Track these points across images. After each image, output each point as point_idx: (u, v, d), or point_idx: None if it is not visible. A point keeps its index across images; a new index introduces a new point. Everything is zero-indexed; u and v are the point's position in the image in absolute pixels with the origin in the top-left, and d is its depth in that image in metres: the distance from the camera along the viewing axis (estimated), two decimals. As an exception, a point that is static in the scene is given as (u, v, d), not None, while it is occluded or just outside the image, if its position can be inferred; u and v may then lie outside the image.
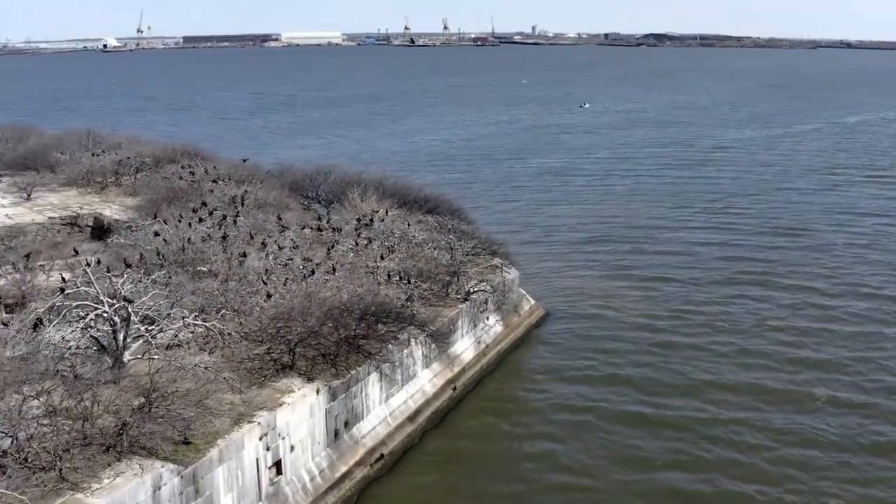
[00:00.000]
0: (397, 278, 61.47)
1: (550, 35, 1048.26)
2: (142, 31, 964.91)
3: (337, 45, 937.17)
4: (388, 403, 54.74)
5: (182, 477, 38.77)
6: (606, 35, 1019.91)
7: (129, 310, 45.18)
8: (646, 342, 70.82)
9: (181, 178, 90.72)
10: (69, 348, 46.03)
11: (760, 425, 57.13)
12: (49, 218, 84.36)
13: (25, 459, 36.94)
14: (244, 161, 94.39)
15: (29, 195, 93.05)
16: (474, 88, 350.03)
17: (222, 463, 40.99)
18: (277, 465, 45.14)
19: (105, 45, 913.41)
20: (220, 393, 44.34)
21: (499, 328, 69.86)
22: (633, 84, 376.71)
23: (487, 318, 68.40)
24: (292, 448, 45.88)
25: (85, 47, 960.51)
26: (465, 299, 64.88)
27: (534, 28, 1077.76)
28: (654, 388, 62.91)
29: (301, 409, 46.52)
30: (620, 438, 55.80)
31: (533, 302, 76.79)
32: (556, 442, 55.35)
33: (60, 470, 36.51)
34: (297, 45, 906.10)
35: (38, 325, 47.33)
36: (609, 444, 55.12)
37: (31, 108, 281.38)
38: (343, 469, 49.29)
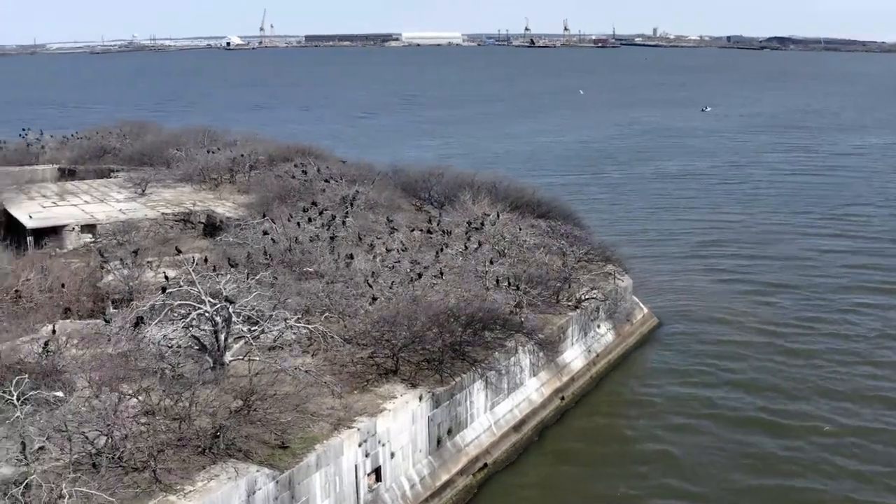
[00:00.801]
0: (506, 284, 60.30)
1: (672, 37, 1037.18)
2: (264, 30, 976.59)
3: (457, 45, 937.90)
4: (493, 412, 53.65)
5: (278, 482, 38.15)
6: (728, 38, 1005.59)
7: (230, 310, 44.76)
8: (763, 350, 68.80)
9: (293, 176, 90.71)
10: (170, 347, 45.85)
11: (887, 437, 55.00)
12: (162, 214, 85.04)
13: (120, 458, 36.70)
14: (343, 162, 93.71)
15: (143, 191, 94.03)
16: (592, 90, 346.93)
17: (320, 469, 40.31)
18: (377, 472, 44.36)
19: (228, 43, 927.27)
20: (321, 397, 43.68)
21: (610, 337, 68.34)
22: (755, 88, 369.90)
23: (598, 327, 66.96)
24: (393, 455, 45.06)
25: (209, 45, 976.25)
26: (576, 307, 63.53)
27: (655, 30, 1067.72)
28: (773, 396, 61.26)
29: (403, 416, 45.67)
30: (736, 447, 54.52)
31: (646, 310, 75.12)
32: (668, 454, 53.87)
33: (154, 471, 36.14)
34: (418, 44, 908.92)
35: (139, 322, 47.15)
36: (724, 454, 53.81)
37: (155, 104, 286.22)
38: (445, 477, 48.34)
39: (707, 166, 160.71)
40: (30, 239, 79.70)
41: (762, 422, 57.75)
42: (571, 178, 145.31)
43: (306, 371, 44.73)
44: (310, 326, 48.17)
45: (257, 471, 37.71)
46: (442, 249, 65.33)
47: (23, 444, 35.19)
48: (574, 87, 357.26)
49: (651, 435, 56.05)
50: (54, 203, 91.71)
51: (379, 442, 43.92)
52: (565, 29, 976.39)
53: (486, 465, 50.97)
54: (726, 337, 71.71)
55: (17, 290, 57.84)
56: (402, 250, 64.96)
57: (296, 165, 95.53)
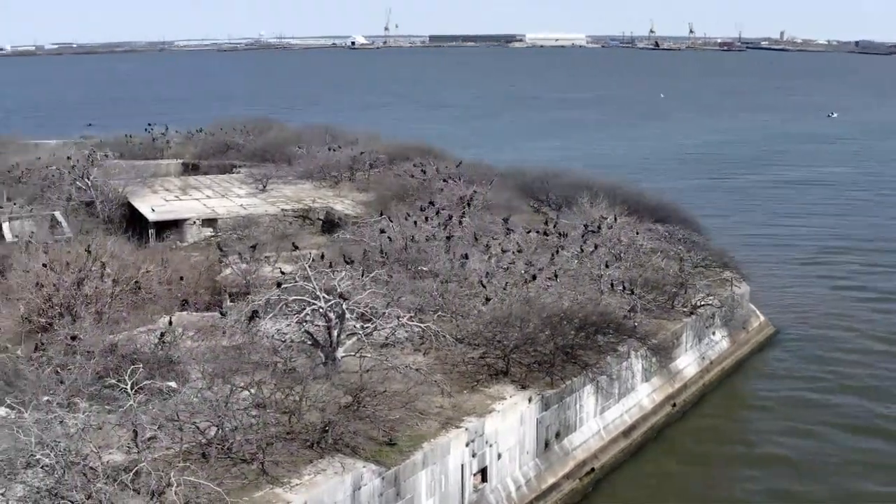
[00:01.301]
0: (621, 288, 59.76)
1: (799, 41, 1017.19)
2: (388, 30, 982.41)
3: (580, 46, 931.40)
4: (603, 416, 53.24)
5: (384, 478, 38.27)
6: (857, 43, 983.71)
7: (344, 307, 45.04)
8: (883, 359, 67.23)
9: (412, 175, 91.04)
10: (283, 341, 46.33)
11: None
12: (281, 210, 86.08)
13: (229, 450, 37.14)
14: (457, 165, 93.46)
15: (264, 187, 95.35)
16: (716, 94, 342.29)
17: (426, 467, 40.35)
18: (483, 473, 44.28)
19: (353, 43, 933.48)
20: (430, 396, 43.73)
21: (725, 344, 67.37)
22: (883, 94, 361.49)
23: (713, 334, 66.07)
24: (500, 456, 44.94)
25: (334, 44, 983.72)
26: (691, 313, 62.73)
27: (782, 34, 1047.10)
28: (893, 405, 59.63)
29: (512, 417, 45.52)
30: (854, 454, 53.44)
31: (762, 317, 73.89)
32: (782, 460, 52.98)
33: (262, 463, 36.54)
34: (541, 46, 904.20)
35: (254, 316, 47.71)
36: (840, 460, 52.78)
37: (279, 101, 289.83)
38: (551, 480, 48.07)
39: (830, 172, 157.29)
40: (152, 231, 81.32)
41: (881, 429, 56.56)
42: (691, 182, 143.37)
43: (417, 369, 44.86)
44: (422, 325, 48.20)
45: (364, 467, 37.88)
46: (557, 252, 64.93)
47: (134, 432, 35.79)
48: (693, 88, 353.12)
49: (765, 443, 55.22)
50: (177, 197, 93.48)
51: (486, 442, 43.84)
52: (690, 31, 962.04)
53: (593, 469, 50.58)
54: (844, 345, 70.16)
55: (136, 282, 58.84)
56: (518, 251, 64.73)
57: (415, 165, 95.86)
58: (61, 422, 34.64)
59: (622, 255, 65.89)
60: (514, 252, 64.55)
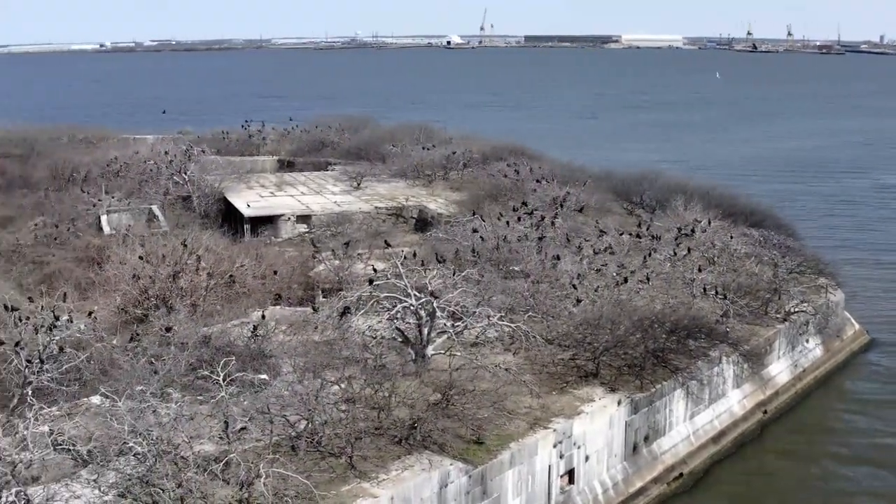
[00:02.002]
0: (714, 292, 59.17)
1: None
2: (484, 29, 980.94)
3: (677, 48, 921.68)
4: (692, 421, 52.69)
5: (470, 477, 38.32)
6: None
7: (435, 305, 45.16)
8: None
9: (506, 175, 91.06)
10: (374, 338, 46.61)
11: None
12: (375, 207, 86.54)
13: (318, 443, 37.48)
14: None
15: (358, 184, 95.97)
16: (813, 97, 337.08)
17: (513, 467, 40.32)
18: (570, 474, 44.13)
19: (449, 42, 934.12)
20: (519, 396, 43.74)
21: (818, 352, 66.36)
22: None
23: (807, 341, 65.03)
24: (587, 458, 44.75)
25: (429, 43, 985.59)
26: (784, 319, 61.85)
27: (882, 37, 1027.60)
28: None
29: (600, 420, 45.30)
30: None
31: (857, 326, 72.62)
32: (874, 475, 51.86)
33: (350, 457, 36.78)
34: (637, 47, 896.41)
35: (346, 312, 48.03)
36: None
37: (374, 100, 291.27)
38: (638, 484, 47.74)
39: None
40: (247, 227, 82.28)
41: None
42: (786, 187, 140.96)
43: (506, 369, 44.83)
44: (512, 325, 48.13)
45: (451, 464, 37.96)
46: (650, 254, 64.54)
47: (226, 423, 36.27)
48: (790, 91, 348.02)
49: (856, 454, 54.04)
50: (272, 193, 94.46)
51: (574, 444, 43.68)
52: (788, 34, 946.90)
53: (681, 474, 50.10)
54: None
55: (231, 275, 59.59)
56: (610, 253, 64.45)
57: (508, 165, 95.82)
58: (154, 411, 35.22)
59: (716, 259, 65.25)
60: (606, 254, 64.27)
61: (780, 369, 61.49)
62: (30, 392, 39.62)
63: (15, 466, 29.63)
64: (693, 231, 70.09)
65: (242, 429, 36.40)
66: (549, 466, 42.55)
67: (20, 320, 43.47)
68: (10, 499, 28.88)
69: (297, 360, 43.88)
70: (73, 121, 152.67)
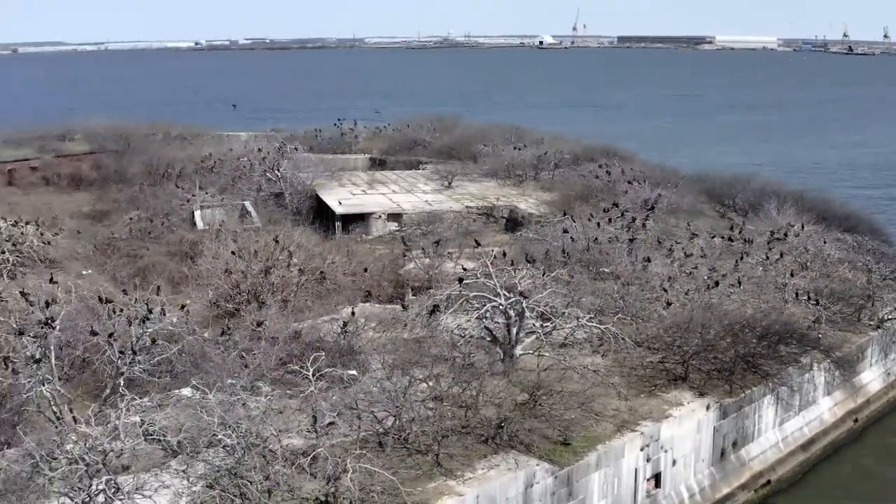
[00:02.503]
0: (806, 298, 58.37)
1: None
2: (576, 29, 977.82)
3: (771, 49, 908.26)
4: (781, 428, 51.99)
5: (556, 477, 38.24)
6: None
7: (524, 305, 45.13)
8: None
9: (597, 176, 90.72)
10: (462, 336, 46.67)
11: None
12: (466, 207, 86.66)
13: (405, 440, 37.66)
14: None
15: (450, 183, 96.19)
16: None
17: (599, 469, 40.16)
18: (656, 478, 43.84)
19: (541, 42, 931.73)
20: (606, 398, 43.52)
21: (913, 361, 65.22)
22: None
23: (900, 349, 63.99)
24: (674, 462, 44.41)
25: (521, 43, 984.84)
26: (878, 327, 60.73)
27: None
28: None
29: (688, 424, 44.92)
30: None
31: (955, 335, 71.17)
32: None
33: (437, 455, 36.90)
34: (731, 48, 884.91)
35: (435, 310, 48.18)
36: None
37: (466, 99, 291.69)
38: (725, 490, 47.27)
39: None
40: (338, 224, 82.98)
41: None
42: (882, 192, 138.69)
43: (594, 371, 44.65)
44: (602, 327, 47.90)
45: (537, 464, 37.91)
46: (742, 258, 63.84)
47: (314, 417, 36.58)
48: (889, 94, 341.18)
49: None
50: (363, 191, 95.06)
51: (661, 448, 43.38)
52: (885, 36, 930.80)
53: (769, 481, 49.52)
54: None
55: (322, 272, 60.06)
56: (701, 256, 63.90)
57: (600, 165, 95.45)
58: (244, 404, 35.61)
59: (808, 264, 64.35)
60: (697, 257, 63.74)
61: (872, 377, 60.48)
62: (122, 383, 40.37)
63: (106, 455, 30.11)
64: (786, 235, 69.21)
65: (330, 424, 36.64)
66: (636, 469, 42.32)
67: (114, 312, 44.23)
68: (101, 486, 29.40)
69: (385, 357, 44.11)
70: (164, 117, 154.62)
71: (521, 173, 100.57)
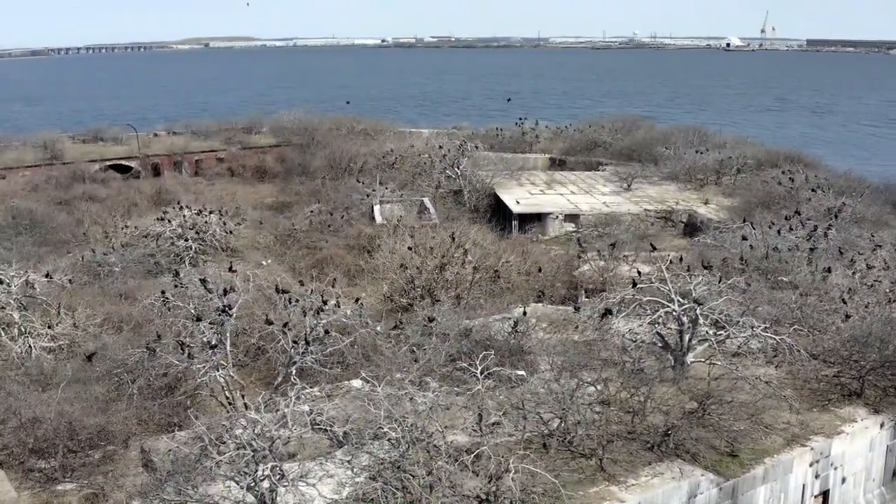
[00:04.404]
0: None
1: None
2: (765, 32, 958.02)
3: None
4: (962, 450, 50.26)
5: (721, 489, 37.69)
6: None
7: (698, 312, 44.60)
8: None
9: (780, 183, 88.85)
10: (633, 341, 46.35)
11: None
12: (644, 210, 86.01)
13: (570, 443, 37.64)
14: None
15: (629, 185, 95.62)
16: None
17: (766, 483, 39.40)
18: (824, 496, 42.78)
19: (728, 44, 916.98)
20: (777, 410, 42.58)
21: None
22: None
23: None
24: (843, 480, 43.28)
25: (708, 45, 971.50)
26: None
27: None
28: None
29: (860, 441, 43.68)
30: None
31: None
32: None
33: (601, 459, 36.75)
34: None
35: (607, 313, 47.95)
36: None
37: (651, 100, 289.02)
38: (897, 511, 46.02)
39: None
40: (515, 223, 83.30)
41: None
42: None
43: (767, 382, 43.74)
44: (777, 337, 46.88)
45: (702, 475, 37.40)
46: (927, 271, 61.83)
47: (479, 415, 36.86)
48: None
49: None
50: (541, 191, 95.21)
51: (831, 464, 42.30)
52: None
53: (946, 506, 47.96)
54: None
55: (496, 270, 60.41)
56: (884, 268, 62.03)
57: (783, 172, 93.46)
58: (411, 399, 36.02)
59: None
60: (880, 269, 61.94)
61: None
62: (294, 372, 41.41)
63: (273, 442, 30.84)
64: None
65: (495, 423, 36.88)
66: (804, 486, 41.38)
67: (290, 302, 45.32)
68: (266, 472, 30.15)
69: (555, 358, 44.13)
70: (350, 111, 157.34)
71: (702, 177, 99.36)
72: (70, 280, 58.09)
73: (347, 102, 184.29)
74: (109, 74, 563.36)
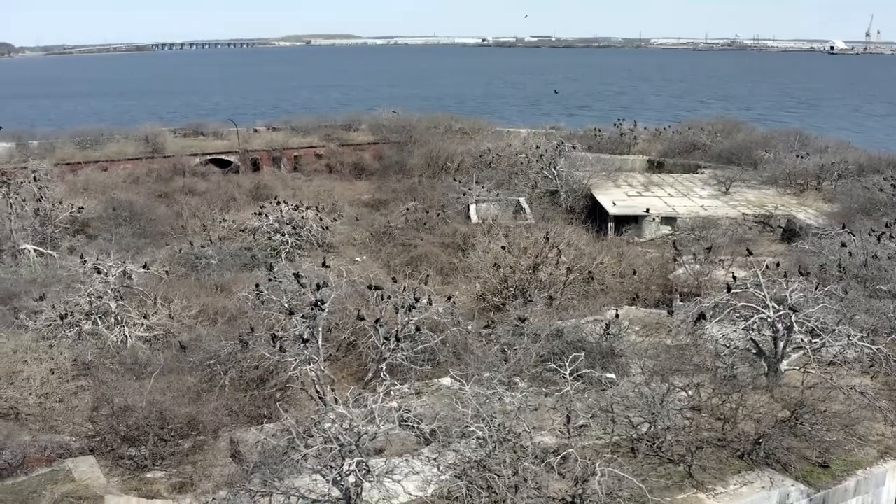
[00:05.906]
0: None
1: None
2: (870, 35, 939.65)
3: None
4: None
5: (811, 500, 37.07)
6: None
7: (794, 319, 43.98)
8: None
9: (881, 189, 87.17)
10: (727, 347, 45.86)
11: None
12: (742, 214, 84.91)
13: (658, 448, 37.39)
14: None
15: (727, 189, 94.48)
16: None
17: (857, 495, 38.69)
18: (918, 508, 42.01)
19: (832, 48, 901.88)
20: (872, 422, 41.88)
21: None
22: None
23: None
24: (936, 494, 42.43)
25: (812, 48, 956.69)
26: None
27: None
28: None
29: (957, 455, 42.82)
30: None
31: None
32: None
33: (689, 466, 36.45)
34: None
35: (701, 318, 47.48)
36: None
37: (751, 104, 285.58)
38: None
39: None
40: (611, 224, 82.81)
41: None
42: None
43: (861, 392, 43.01)
44: (874, 347, 46.10)
45: (792, 485, 36.87)
46: None
47: (567, 417, 36.77)
48: None
49: None
50: (638, 193, 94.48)
51: (924, 477, 41.55)
52: None
53: None
54: None
55: (590, 272, 60.10)
56: None
57: (885, 178, 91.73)
58: (500, 398, 36.11)
59: None
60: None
61: None
62: (384, 368, 41.64)
63: (360, 437, 31.03)
64: None
65: (583, 425, 36.81)
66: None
67: (382, 299, 45.54)
68: (352, 467, 30.35)
69: (646, 362, 43.94)
70: (449, 110, 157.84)
71: (803, 182, 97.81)
72: (167, 271, 59.23)
73: (556, 91, 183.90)
74: (213, 71, 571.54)
